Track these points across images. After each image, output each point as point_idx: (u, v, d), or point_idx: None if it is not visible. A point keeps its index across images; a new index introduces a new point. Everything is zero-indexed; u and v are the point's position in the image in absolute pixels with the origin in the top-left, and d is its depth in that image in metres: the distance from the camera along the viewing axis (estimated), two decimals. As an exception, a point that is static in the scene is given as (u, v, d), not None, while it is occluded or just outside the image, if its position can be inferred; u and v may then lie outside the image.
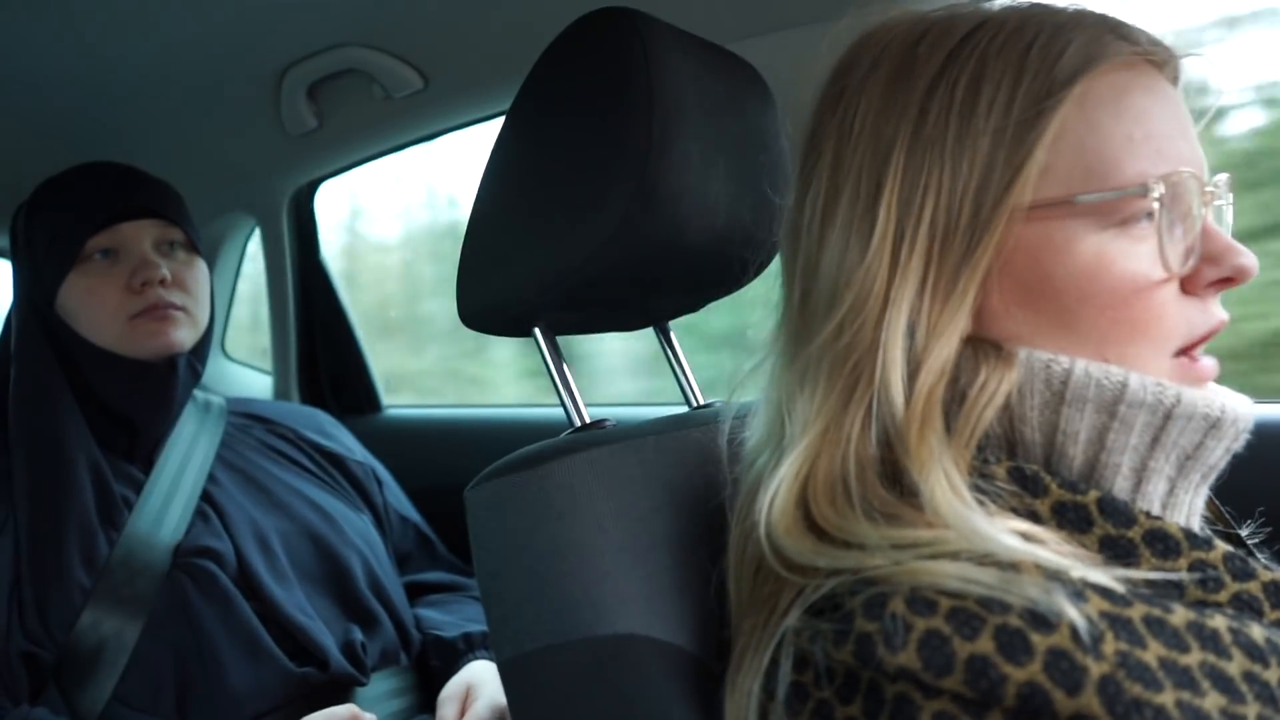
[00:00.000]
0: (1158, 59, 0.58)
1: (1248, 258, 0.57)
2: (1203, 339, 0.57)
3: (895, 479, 0.54)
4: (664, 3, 0.84)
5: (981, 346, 0.57)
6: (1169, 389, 0.55)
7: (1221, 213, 0.61)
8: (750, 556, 0.57)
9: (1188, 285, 0.57)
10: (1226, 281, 0.57)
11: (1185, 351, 0.57)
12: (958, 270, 0.55)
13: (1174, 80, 0.60)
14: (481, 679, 1.14)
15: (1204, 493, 0.59)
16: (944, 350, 0.55)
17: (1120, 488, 0.56)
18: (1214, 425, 0.56)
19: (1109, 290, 0.55)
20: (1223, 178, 0.60)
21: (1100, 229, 0.55)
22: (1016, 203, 0.55)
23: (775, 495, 0.55)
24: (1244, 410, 0.57)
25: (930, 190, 0.55)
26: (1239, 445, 0.58)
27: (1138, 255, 0.55)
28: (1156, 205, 0.55)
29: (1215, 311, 0.58)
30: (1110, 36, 0.57)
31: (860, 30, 0.62)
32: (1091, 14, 0.58)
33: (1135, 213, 0.55)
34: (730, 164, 0.74)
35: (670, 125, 0.70)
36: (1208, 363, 0.58)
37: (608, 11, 0.74)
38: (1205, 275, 0.56)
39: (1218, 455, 0.57)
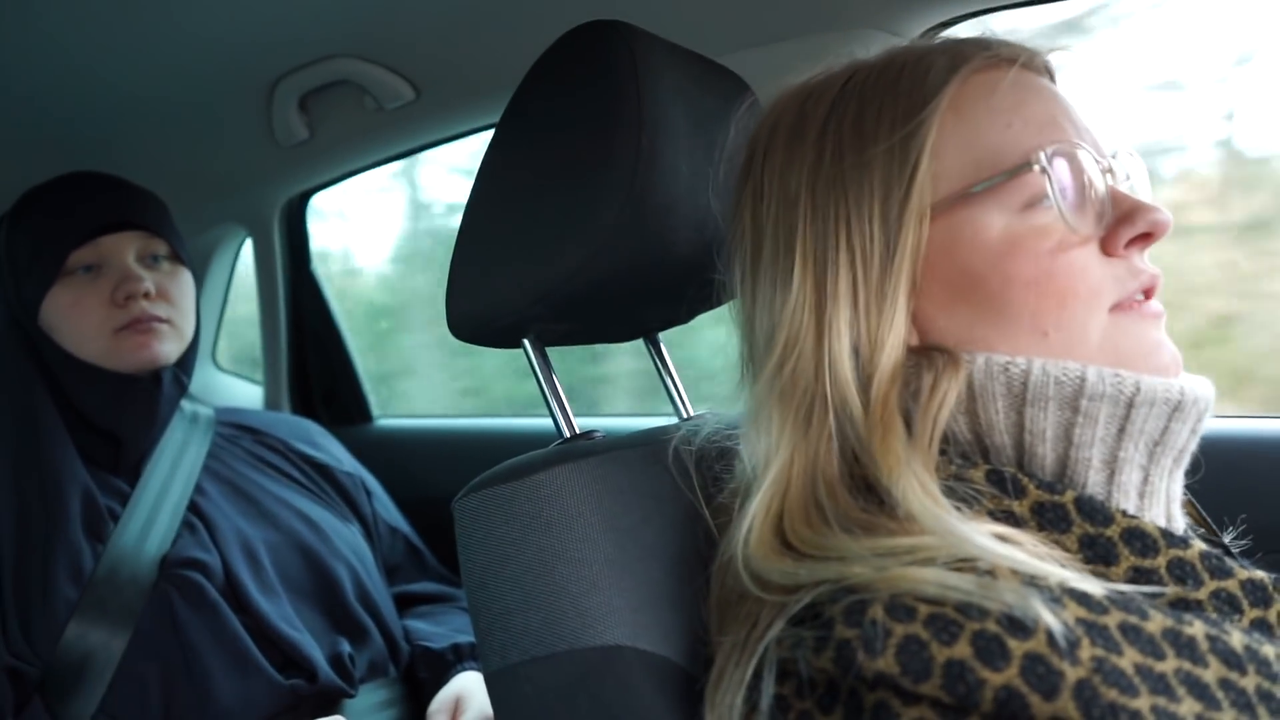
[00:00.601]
0: (1023, 59, 0.62)
1: (1161, 213, 0.59)
2: (1134, 299, 0.59)
3: (865, 492, 0.56)
4: (653, 16, 0.84)
5: (928, 353, 0.59)
6: (1127, 378, 0.56)
7: (1127, 182, 0.64)
8: (730, 588, 0.59)
9: (1107, 247, 0.59)
10: (1145, 238, 0.59)
11: (1119, 307, 0.59)
12: (883, 284, 0.58)
13: (1048, 75, 0.65)
14: (470, 690, 1.14)
15: (1179, 478, 0.61)
16: (890, 359, 0.58)
17: (1094, 482, 0.58)
18: (1176, 408, 0.57)
19: (1027, 264, 0.58)
20: (1123, 149, 0.63)
21: (1004, 214, 0.58)
22: (918, 208, 0.58)
23: (750, 530, 0.57)
24: (1203, 391, 0.59)
25: (840, 220, 0.59)
26: (1204, 425, 0.60)
27: (1046, 229, 0.58)
28: (1044, 176, 0.58)
29: (1144, 267, 0.60)
30: (969, 47, 0.62)
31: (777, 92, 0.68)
32: (950, 38, 0.64)
33: (1035, 193, 0.58)
34: (718, 176, 0.74)
35: (659, 137, 0.70)
36: (1152, 303, 0.60)
37: (597, 24, 0.74)
38: (1121, 234, 0.59)
39: (1184, 438, 0.59)
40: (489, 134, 0.80)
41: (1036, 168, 0.58)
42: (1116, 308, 0.59)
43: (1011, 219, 0.58)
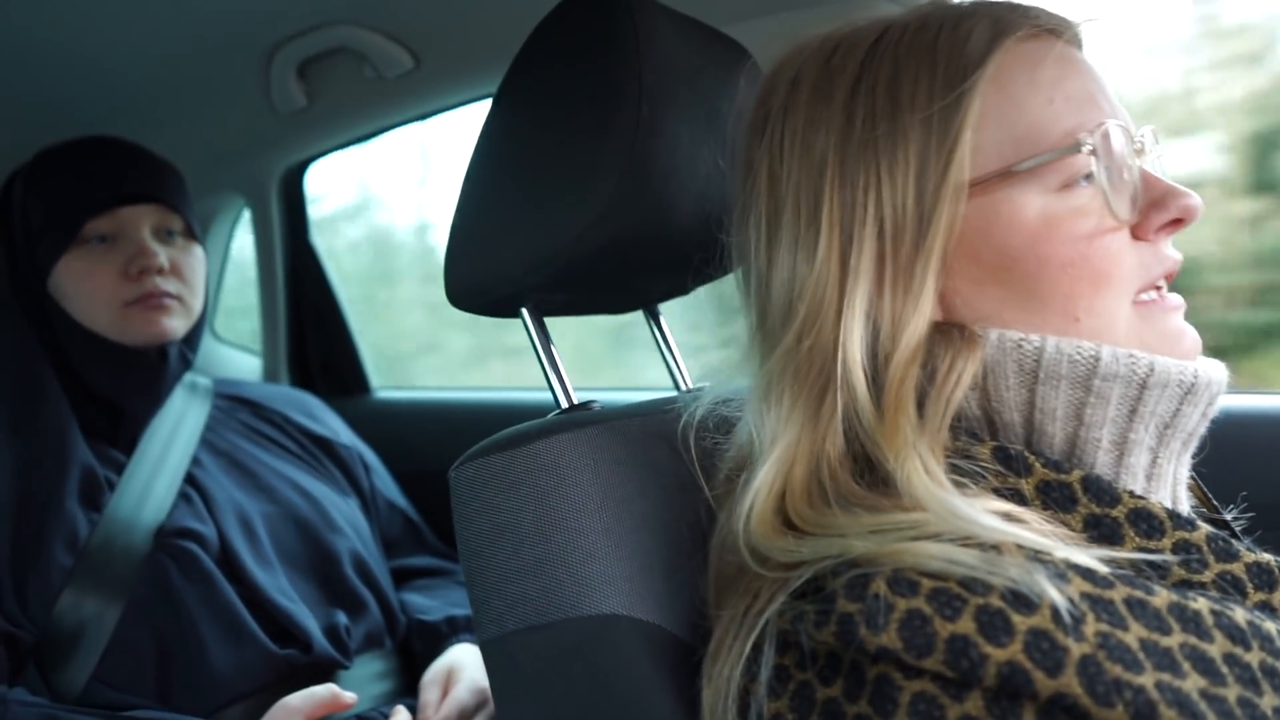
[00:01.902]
0: (1058, 29, 0.60)
1: (1192, 198, 0.58)
2: (1156, 284, 0.59)
3: (869, 472, 0.55)
4: (656, -17, 0.83)
5: (947, 330, 0.58)
6: (1141, 359, 0.55)
7: (1156, 163, 0.62)
8: (729, 563, 0.58)
9: (1138, 232, 0.58)
10: (1176, 224, 0.59)
11: (1142, 293, 0.58)
12: (912, 260, 0.56)
13: (1079, 47, 0.62)
14: (463, 662, 1.14)
15: (1186, 461, 0.60)
16: (910, 339, 0.56)
17: (1103, 462, 0.57)
18: (1189, 391, 0.57)
19: (1064, 247, 0.56)
20: (1148, 129, 0.62)
21: (1042, 193, 0.57)
22: (956, 183, 0.56)
23: (752, 506, 0.56)
24: (1216, 374, 0.58)
25: (870, 190, 0.57)
26: (1214, 410, 0.59)
27: (1084, 211, 0.57)
28: (1091, 157, 0.56)
29: (1169, 253, 0.59)
30: (1011, 14, 0.59)
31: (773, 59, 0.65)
32: (986, 2, 0.61)
33: (1074, 174, 0.57)
34: (720, 146, 0.74)
35: (660, 105, 0.69)
36: (1172, 295, 0.60)
37: (598, -10, 0.73)
38: (1154, 220, 0.58)
39: (1195, 421, 0.58)
40: (489, 103, 0.80)
41: (1086, 149, 0.56)
42: (1138, 301, 0.58)
43: (1049, 199, 0.57)
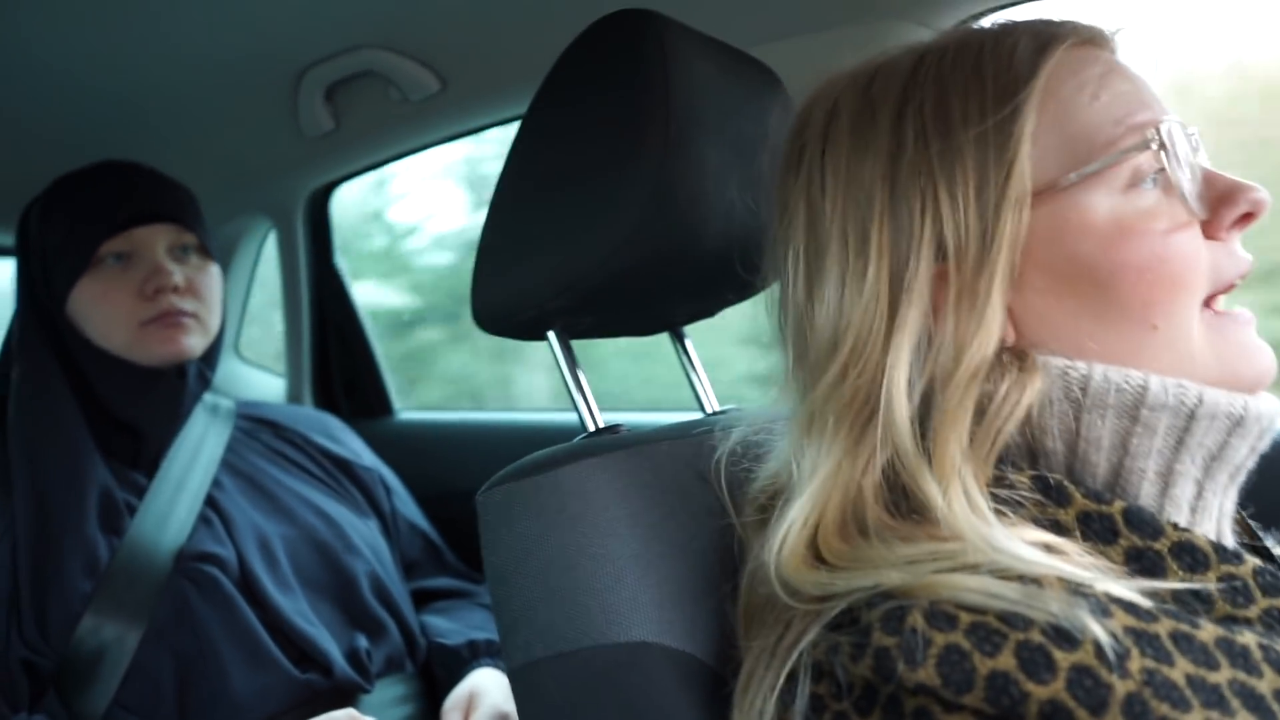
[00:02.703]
0: (1097, 39, 0.60)
1: (1260, 191, 0.57)
2: (1229, 286, 0.57)
3: (902, 503, 0.54)
4: (683, 5, 0.83)
5: (1005, 359, 0.56)
6: (1190, 389, 0.54)
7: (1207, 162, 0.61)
8: (760, 595, 0.57)
9: (1210, 230, 0.57)
10: (1246, 218, 0.57)
11: (1209, 301, 0.57)
12: (976, 277, 0.55)
13: (1118, 54, 0.62)
14: (483, 687, 1.13)
15: (1233, 495, 0.59)
16: (975, 358, 0.54)
17: (1147, 493, 0.55)
18: (1238, 424, 0.55)
19: (1139, 249, 0.55)
20: (1195, 128, 0.60)
21: (1110, 194, 0.56)
22: (1019, 194, 0.55)
23: (785, 539, 0.54)
24: (1268, 408, 0.56)
25: (926, 212, 0.56)
26: (1265, 444, 0.57)
27: (1154, 212, 0.56)
28: (1161, 153, 0.55)
29: (1240, 253, 0.58)
30: (1054, 27, 0.59)
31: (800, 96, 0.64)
32: (1020, 20, 0.61)
33: (1140, 173, 0.56)
34: (747, 168, 0.73)
35: (687, 128, 0.69)
36: (1242, 311, 0.58)
37: (627, 13, 0.73)
38: (1225, 216, 0.57)
39: (1243, 454, 0.57)
40: (515, 126, 0.80)
41: (1154, 145, 0.55)
42: (1212, 309, 0.57)
43: (1117, 200, 0.55)
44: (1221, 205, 0.57)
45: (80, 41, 1.30)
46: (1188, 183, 0.56)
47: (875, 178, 0.57)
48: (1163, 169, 0.56)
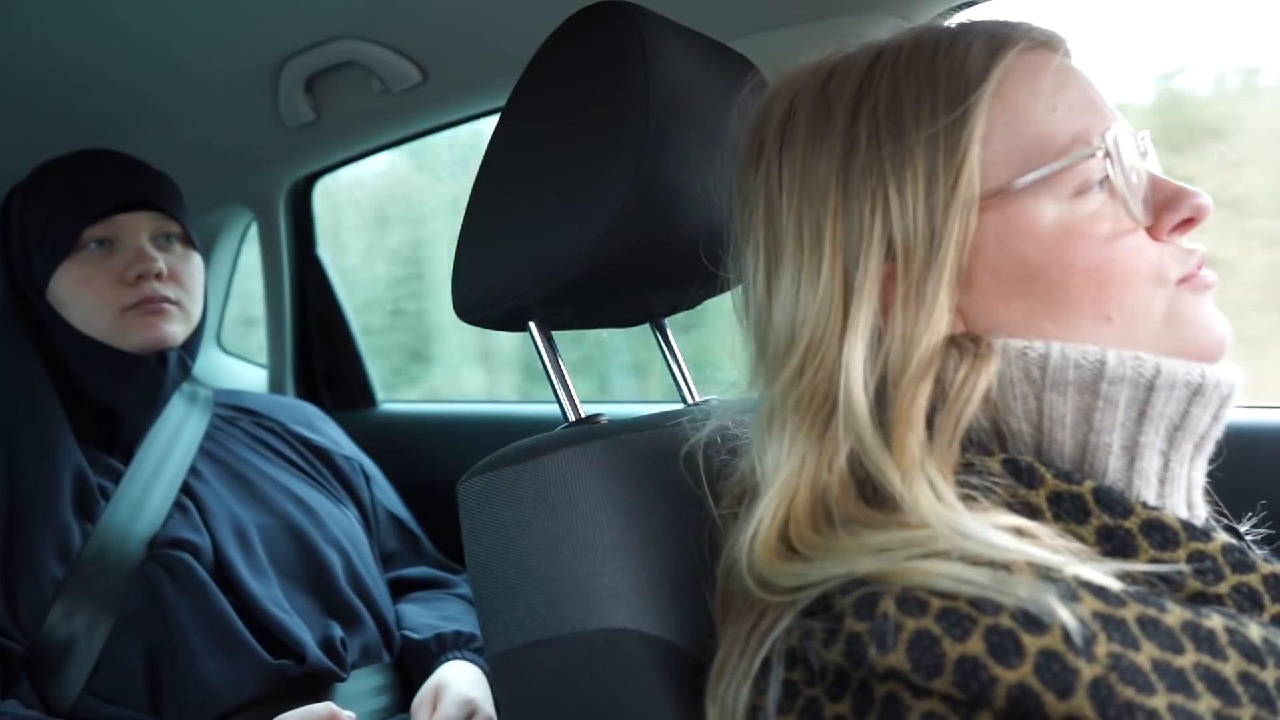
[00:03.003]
0: (1051, 43, 0.61)
1: (1202, 197, 0.58)
2: (1191, 275, 0.58)
3: (873, 493, 0.55)
4: (663, -2, 0.84)
5: (960, 344, 0.57)
6: (1147, 361, 0.55)
7: (1154, 166, 0.63)
8: (735, 589, 0.58)
9: (1153, 233, 0.58)
10: (1187, 223, 0.59)
11: (1186, 280, 0.58)
12: (924, 278, 0.56)
13: (1070, 58, 0.62)
14: (448, 678, 1.13)
15: (1201, 465, 0.60)
16: (922, 357, 0.55)
17: (1114, 468, 0.57)
18: (1196, 392, 0.56)
19: (1086, 252, 0.56)
20: (1145, 133, 0.62)
21: (1056, 201, 0.57)
22: (967, 198, 0.56)
23: (755, 535, 0.55)
24: (1226, 375, 0.58)
25: (876, 212, 0.57)
26: (1226, 412, 0.58)
27: (1099, 216, 0.57)
28: (1106, 161, 0.56)
29: (1189, 248, 0.59)
30: (1006, 30, 0.60)
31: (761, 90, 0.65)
32: (976, 21, 0.62)
33: (1086, 180, 0.57)
34: (726, 160, 0.74)
35: (666, 120, 0.70)
36: (1206, 274, 0.59)
37: (607, 5, 0.73)
38: (1167, 221, 0.58)
39: (1205, 423, 0.58)
40: (496, 118, 0.80)
41: (1100, 152, 0.56)
42: (1183, 281, 0.58)
43: (1063, 206, 0.57)
44: (1164, 210, 0.58)
45: (60, 32, 1.29)
46: (1131, 189, 0.57)
47: (829, 176, 0.58)
48: (1108, 176, 0.57)
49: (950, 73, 0.58)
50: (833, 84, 0.61)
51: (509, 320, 0.81)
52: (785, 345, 0.59)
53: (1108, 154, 0.56)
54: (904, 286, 0.56)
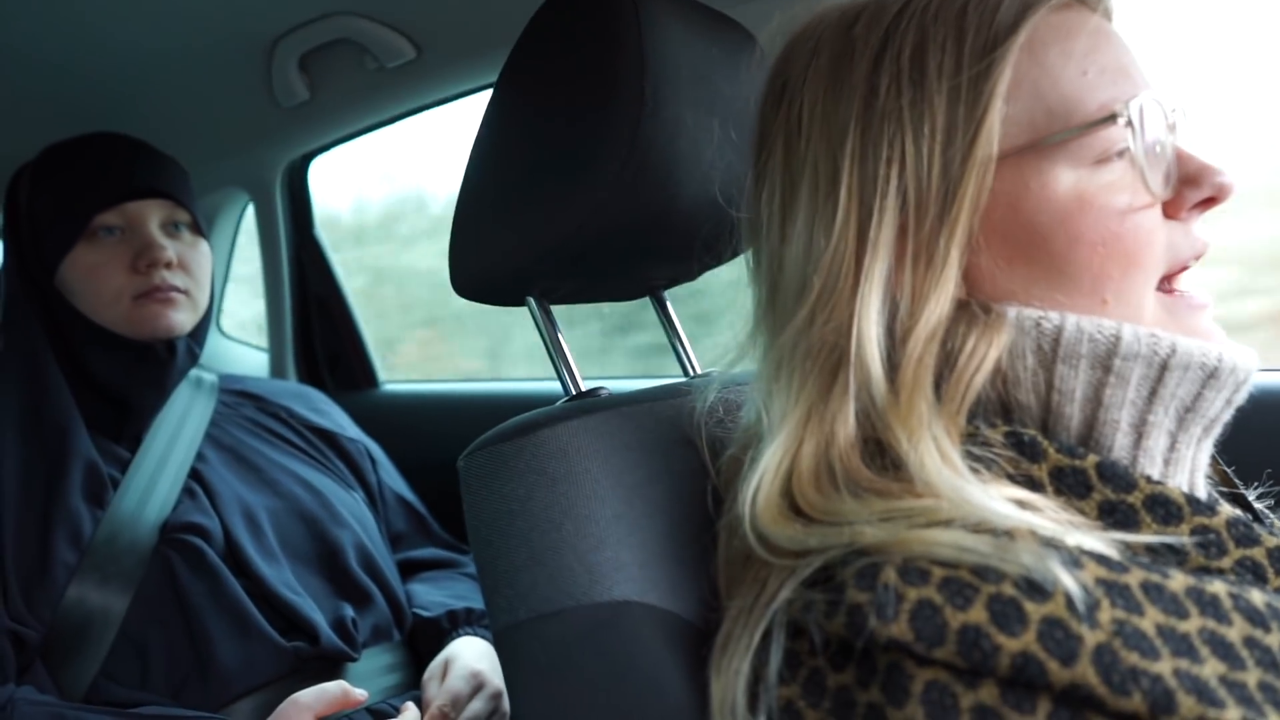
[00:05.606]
0: (1089, 1, 0.58)
1: (1227, 175, 0.57)
2: (1183, 267, 0.57)
3: (878, 458, 0.54)
4: (657, -35, 0.82)
5: (970, 310, 0.56)
6: (1163, 339, 0.54)
7: (1188, 139, 0.60)
8: (737, 549, 0.57)
9: (1171, 210, 0.57)
10: (1209, 202, 0.57)
11: (1167, 280, 0.57)
12: (936, 234, 0.55)
13: (1109, 19, 0.60)
14: (457, 652, 1.15)
15: (1207, 448, 0.59)
16: (931, 316, 0.54)
17: (1121, 445, 0.55)
18: (1211, 375, 0.55)
19: (1096, 224, 0.55)
20: (1181, 105, 0.60)
21: (1074, 167, 0.55)
22: (984, 156, 0.54)
23: (758, 488, 0.54)
24: (1243, 360, 0.56)
25: (893, 162, 0.55)
26: (1240, 397, 0.57)
27: (1117, 187, 0.55)
28: (1127, 130, 0.55)
29: (1198, 235, 0.58)
30: None
31: (789, 27, 0.63)
32: None
33: (1107, 148, 0.55)
34: (724, 128, 0.73)
35: (662, 88, 0.69)
36: (1198, 294, 0.58)
37: (600, -28, 0.72)
38: (1188, 198, 0.57)
39: (1217, 407, 0.57)
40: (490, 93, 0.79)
41: (1122, 121, 0.54)
42: (1165, 289, 0.57)
43: (1081, 174, 0.55)
44: (1186, 186, 0.56)
45: (54, 13, 1.28)
46: (1152, 161, 0.55)
47: (849, 120, 0.56)
48: (1129, 146, 0.55)
49: (980, 23, 0.55)
50: (859, 27, 0.58)
51: (508, 295, 0.80)
52: (796, 291, 0.57)
53: (1129, 123, 0.55)
54: (915, 242, 0.55)
